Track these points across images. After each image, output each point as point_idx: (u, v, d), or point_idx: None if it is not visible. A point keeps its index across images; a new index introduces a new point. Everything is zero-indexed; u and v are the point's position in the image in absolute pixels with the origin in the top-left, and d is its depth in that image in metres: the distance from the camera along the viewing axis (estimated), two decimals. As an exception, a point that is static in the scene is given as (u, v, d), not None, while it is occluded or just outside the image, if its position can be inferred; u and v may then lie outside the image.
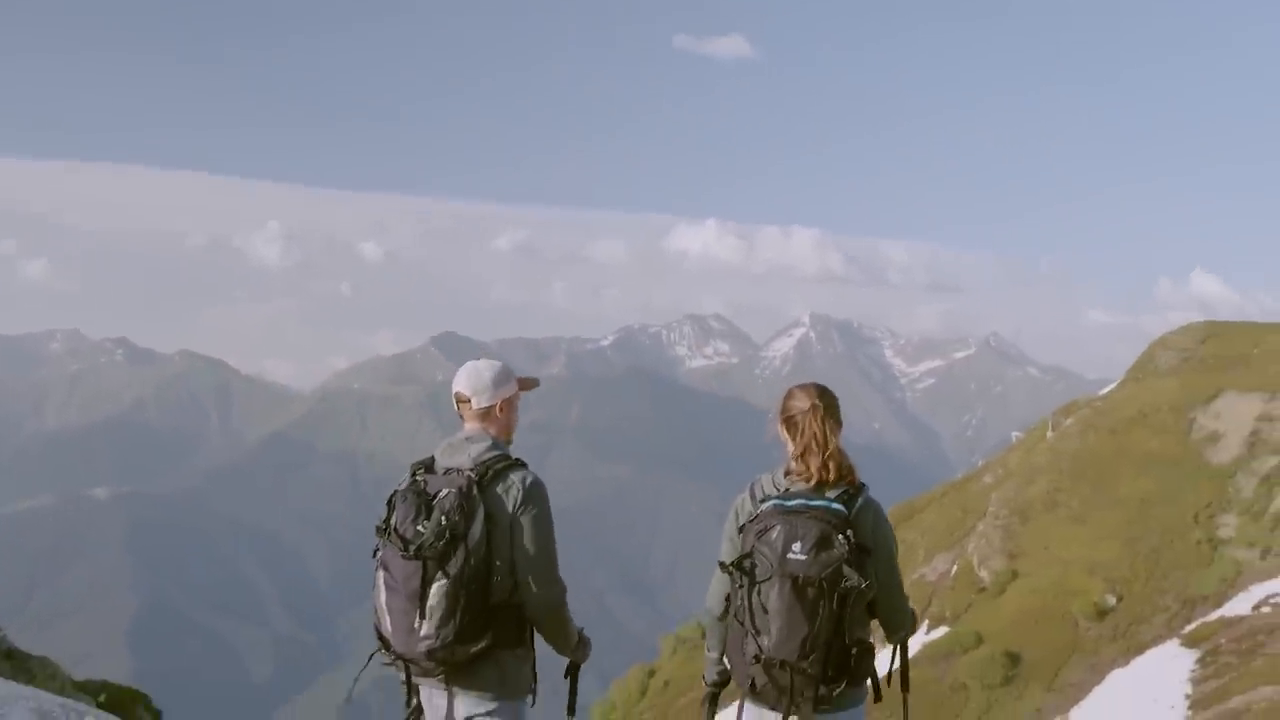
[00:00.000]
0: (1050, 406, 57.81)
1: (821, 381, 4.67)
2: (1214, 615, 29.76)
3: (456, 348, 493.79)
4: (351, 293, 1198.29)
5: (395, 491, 4.40)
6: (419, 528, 4.19)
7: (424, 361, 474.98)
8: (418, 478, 4.39)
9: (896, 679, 4.80)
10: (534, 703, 4.60)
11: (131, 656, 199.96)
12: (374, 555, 4.36)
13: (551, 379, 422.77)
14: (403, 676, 4.46)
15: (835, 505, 4.24)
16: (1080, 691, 28.94)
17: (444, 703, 4.44)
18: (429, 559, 4.15)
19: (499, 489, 4.35)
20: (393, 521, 4.27)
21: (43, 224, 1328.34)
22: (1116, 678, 28.95)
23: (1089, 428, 41.78)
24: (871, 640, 4.43)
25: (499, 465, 4.40)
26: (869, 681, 4.46)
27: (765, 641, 4.15)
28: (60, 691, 7.83)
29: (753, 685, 4.32)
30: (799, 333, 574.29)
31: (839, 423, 4.51)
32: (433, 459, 4.52)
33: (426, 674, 4.39)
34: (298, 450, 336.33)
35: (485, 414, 4.62)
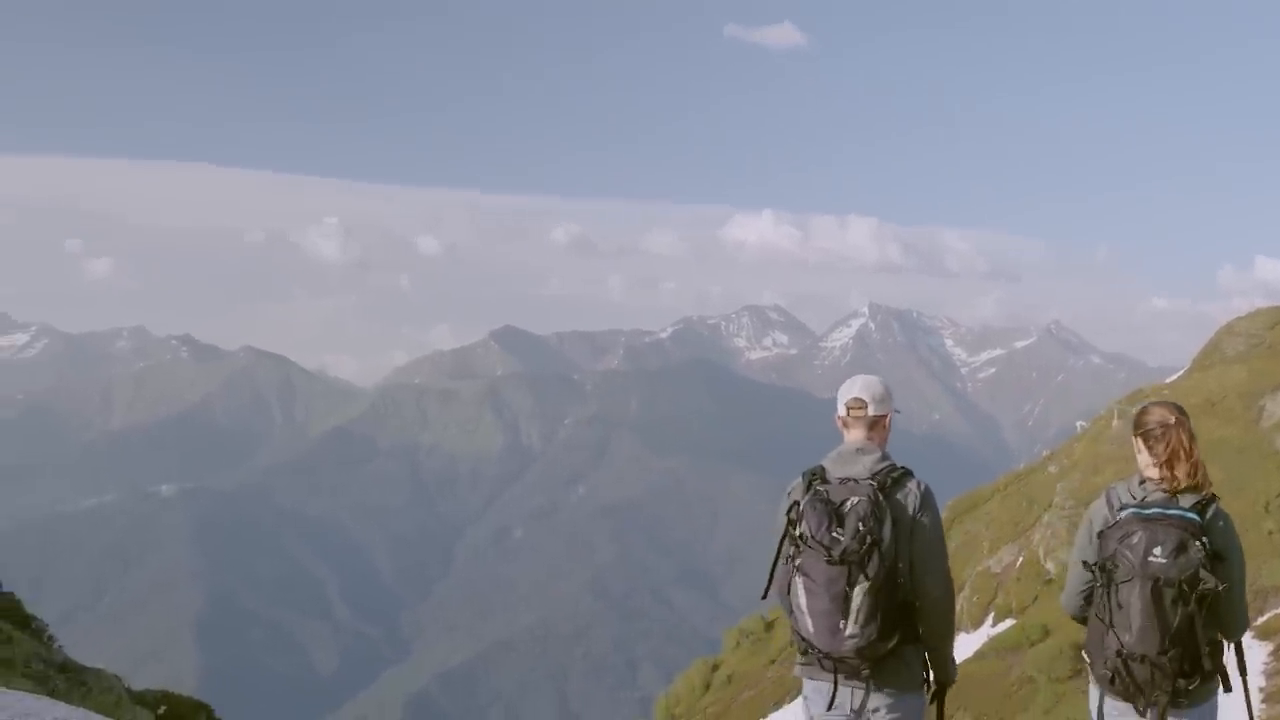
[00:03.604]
0: (1113, 395, 56.84)
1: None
2: (1287, 606, 29.14)
3: (515, 341, 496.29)
4: (410, 287, 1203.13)
5: (794, 502, 4.70)
6: (834, 535, 4.50)
7: (483, 355, 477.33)
8: (818, 487, 4.67)
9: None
10: (928, 692, 4.95)
11: (198, 652, 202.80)
12: (788, 562, 4.66)
13: (610, 372, 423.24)
14: (828, 675, 4.74)
15: (1190, 514, 4.60)
16: (1150, 685, 28.43)
17: (856, 698, 4.73)
18: (852, 564, 4.47)
19: (899, 496, 4.69)
20: (803, 530, 4.57)
21: (107, 222, 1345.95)
22: (1187, 671, 28.43)
23: (1155, 416, 41.05)
24: (1220, 639, 4.72)
25: (895, 474, 4.75)
26: (1219, 678, 4.72)
27: (1126, 638, 4.49)
28: (116, 705, 7.68)
29: (1112, 679, 4.62)
30: (858, 323, 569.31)
31: (1194, 436, 4.88)
32: (823, 468, 4.81)
33: (849, 672, 4.68)
34: (360, 445, 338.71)
35: (875, 422, 4.95)
